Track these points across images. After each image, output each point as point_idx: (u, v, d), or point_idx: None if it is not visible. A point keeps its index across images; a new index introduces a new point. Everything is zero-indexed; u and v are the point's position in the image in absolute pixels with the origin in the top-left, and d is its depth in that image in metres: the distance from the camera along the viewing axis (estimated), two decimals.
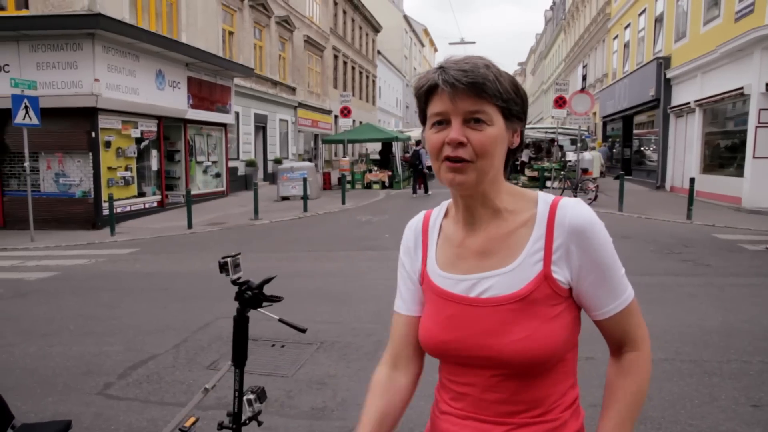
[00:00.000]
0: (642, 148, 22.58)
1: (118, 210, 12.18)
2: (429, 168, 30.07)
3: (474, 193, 1.05)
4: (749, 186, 12.89)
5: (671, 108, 18.46)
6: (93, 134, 11.80)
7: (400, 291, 1.22)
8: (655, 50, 20.21)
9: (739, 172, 13.24)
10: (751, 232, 10.17)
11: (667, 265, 7.50)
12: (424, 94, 1.05)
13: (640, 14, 22.26)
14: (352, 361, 4.24)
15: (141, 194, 13.84)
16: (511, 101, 1.02)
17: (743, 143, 13.37)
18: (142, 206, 13.69)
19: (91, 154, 11.86)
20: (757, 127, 12.80)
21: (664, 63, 18.67)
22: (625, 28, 24.51)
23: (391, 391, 1.17)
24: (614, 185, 15.35)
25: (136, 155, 13.39)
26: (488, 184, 1.05)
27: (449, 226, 1.15)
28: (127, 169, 13.09)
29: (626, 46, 24.52)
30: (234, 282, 1.81)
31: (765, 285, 6.40)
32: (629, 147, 24.08)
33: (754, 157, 12.90)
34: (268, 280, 1.84)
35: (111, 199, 11.04)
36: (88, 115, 11.71)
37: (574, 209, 1.03)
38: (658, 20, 20.05)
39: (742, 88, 13.08)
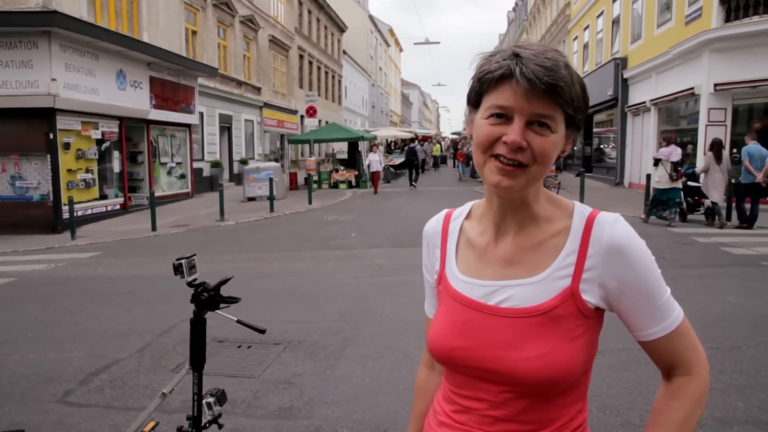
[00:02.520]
0: (601, 146, 23.21)
1: (79, 213, 11.89)
2: (424, 162, 30.37)
3: (518, 197, 0.98)
4: (701, 182, 13.38)
5: (628, 107, 19.03)
6: (51, 135, 11.48)
7: (427, 294, 1.18)
8: (612, 51, 20.79)
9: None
10: (701, 226, 10.59)
11: None
12: (490, 80, 0.93)
13: (598, 16, 22.85)
14: (319, 360, 4.29)
15: (103, 197, 13.54)
16: (579, 109, 0.94)
17: (695, 141, 13.90)
18: (104, 209, 13.39)
19: (49, 156, 11.53)
20: (707, 125, 13.34)
21: (621, 63, 19.23)
22: (584, 29, 25.13)
23: (430, 391, 1.20)
24: (575, 182, 15.75)
25: (97, 157, 13.08)
26: (532, 191, 0.99)
27: (472, 228, 1.08)
28: (87, 171, 12.78)
29: (585, 46, 25.14)
30: (190, 284, 1.82)
31: (714, 275, 6.71)
32: (589, 145, 24.69)
33: (704, 154, 13.40)
34: (224, 281, 1.85)
35: (71, 202, 10.78)
36: (45, 116, 11.39)
37: (614, 226, 0.96)
38: (615, 22, 20.64)
39: (693, 88, 13.61)
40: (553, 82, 0.88)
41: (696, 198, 10.97)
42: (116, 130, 13.85)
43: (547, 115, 0.91)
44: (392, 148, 38.16)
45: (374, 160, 18.96)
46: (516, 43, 0.95)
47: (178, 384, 2.02)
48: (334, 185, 21.23)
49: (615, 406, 3.40)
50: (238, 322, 1.85)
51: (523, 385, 0.95)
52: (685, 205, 11.05)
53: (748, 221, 10.08)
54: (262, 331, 1.88)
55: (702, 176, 10.68)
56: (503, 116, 0.92)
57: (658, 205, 10.78)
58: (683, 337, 0.98)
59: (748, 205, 10.20)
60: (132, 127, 14.72)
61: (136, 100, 14.34)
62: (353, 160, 23.53)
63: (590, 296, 0.96)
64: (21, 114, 11.19)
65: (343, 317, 5.36)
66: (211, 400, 1.82)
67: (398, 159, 29.44)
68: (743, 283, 6.30)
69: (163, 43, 15.67)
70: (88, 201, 12.83)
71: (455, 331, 1.01)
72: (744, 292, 5.90)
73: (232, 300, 1.82)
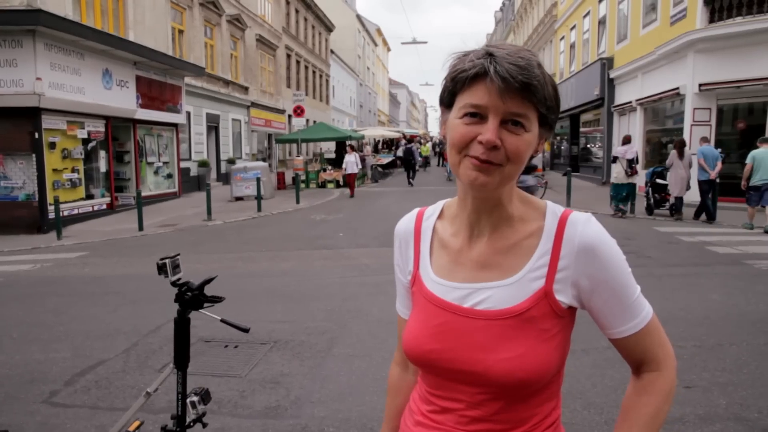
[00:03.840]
0: (588, 146, 23.38)
1: (65, 213, 11.78)
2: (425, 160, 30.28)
3: (491, 196, 0.98)
4: (667, 178, 13.46)
5: (615, 107, 19.20)
6: (36, 135, 11.35)
7: (399, 293, 1.18)
8: (599, 51, 20.95)
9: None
10: (687, 225, 10.73)
11: None
12: (464, 79, 0.92)
13: (584, 16, 23.02)
14: (306, 360, 4.29)
15: (89, 196, 13.41)
16: (551, 109, 0.94)
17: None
18: (90, 209, 13.27)
19: (34, 155, 11.41)
20: (692, 125, 13.49)
21: (607, 63, 19.39)
22: (571, 29, 25.30)
23: (404, 389, 1.21)
24: (562, 181, 15.86)
25: (83, 156, 12.95)
26: (505, 191, 0.99)
27: (445, 228, 1.07)
28: (73, 170, 12.65)
29: (572, 46, 25.31)
30: (173, 283, 1.81)
31: (698, 274, 6.80)
32: (576, 144, 24.87)
33: (691, 154, 13.56)
34: (208, 281, 1.85)
35: (57, 202, 10.67)
36: (30, 115, 11.26)
37: (585, 226, 0.96)
38: (602, 22, 20.80)
39: (678, 88, 13.76)
40: (527, 80, 0.88)
41: (663, 194, 11.81)
42: (102, 129, 13.73)
43: (521, 113, 0.90)
44: (380, 147, 38.18)
45: (350, 162, 18.10)
46: (488, 44, 0.94)
47: (163, 383, 2.02)
48: (322, 185, 21.20)
49: (599, 404, 3.44)
50: (222, 321, 1.85)
51: (499, 387, 0.95)
52: (652, 201, 11.94)
53: (708, 215, 10.99)
54: (246, 330, 1.88)
55: (668, 173, 11.45)
56: (477, 115, 0.91)
57: (622, 200, 11.82)
58: (653, 334, 0.99)
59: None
60: (118, 127, 14.60)
61: (123, 100, 14.22)
62: (341, 159, 23.53)
63: (563, 296, 0.96)
64: (6, 113, 11.05)
65: (330, 317, 5.37)
66: (195, 399, 1.82)
67: (386, 159, 29.49)
68: (727, 282, 6.39)
69: (150, 42, 15.55)
70: (75, 201, 12.70)
71: (430, 334, 1.00)
72: (727, 291, 5.99)
73: (216, 299, 1.82)
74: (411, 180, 21.72)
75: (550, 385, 1.00)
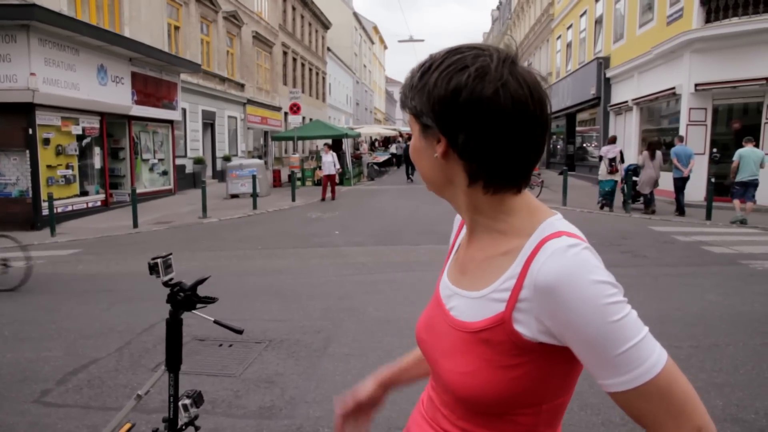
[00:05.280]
0: (584, 145, 23.41)
1: (59, 210, 11.71)
2: None
3: (453, 202, 0.96)
4: (639, 176, 13.46)
5: (611, 106, 19.22)
6: (30, 131, 11.28)
7: None
8: (595, 50, 20.97)
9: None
10: (683, 224, 10.75)
11: (608, 257, 7.78)
12: None
13: (581, 16, 23.03)
14: (301, 359, 4.26)
15: (84, 193, 13.34)
16: (426, 114, 0.88)
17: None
18: (84, 206, 13.19)
19: (28, 151, 11.33)
20: (688, 125, 13.51)
21: (603, 63, 19.41)
22: (568, 28, 25.31)
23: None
24: (558, 180, 15.86)
25: (77, 153, 12.87)
26: (463, 195, 0.92)
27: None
28: (68, 167, 12.57)
29: (569, 46, 25.33)
30: (165, 284, 1.78)
31: (694, 274, 6.80)
32: (572, 143, 24.89)
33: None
34: (201, 281, 1.82)
35: (51, 199, 10.60)
36: (24, 111, 11.17)
37: (550, 259, 0.81)
38: (598, 22, 20.82)
39: (674, 88, 13.78)
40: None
41: (636, 190, 12.54)
42: (97, 125, 13.65)
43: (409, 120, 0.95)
44: (376, 145, 38.13)
45: (327, 162, 16.64)
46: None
47: (155, 385, 1.99)
48: (318, 182, 21.12)
49: (596, 404, 3.42)
50: (215, 322, 1.82)
51: (452, 395, 0.92)
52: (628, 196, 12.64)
53: (683, 210, 11.90)
54: (240, 332, 1.85)
55: (640, 172, 12.26)
56: None
57: (606, 195, 12.74)
58: (655, 398, 0.78)
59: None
60: (113, 123, 14.52)
61: (118, 96, 14.13)
62: (337, 157, 23.47)
63: (526, 329, 0.84)
64: None
65: (326, 315, 5.34)
66: (187, 401, 1.79)
67: (382, 156, 29.47)
68: (723, 282, 6.39)
69: (145, 39, 15.47)
70: (69, 197, 12.62)
71: (424, 324, 1.03)
72: (723, 291, 5.99)
73: (209, 300, 1.79)
74: (411, 176, 22.12)
75: (517, 416, 0.89)
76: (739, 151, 10.66)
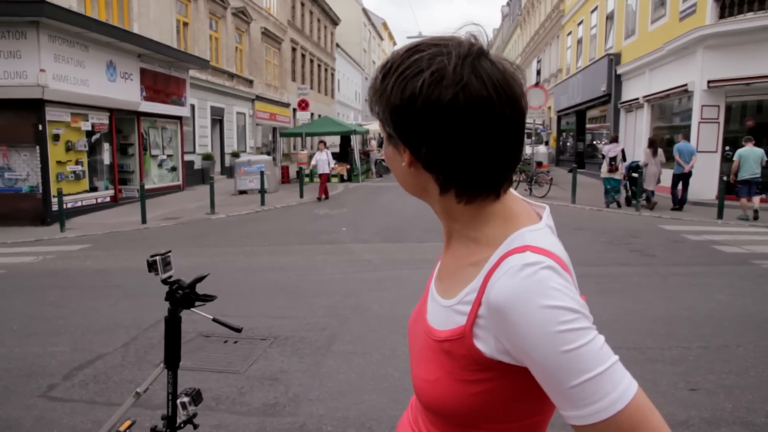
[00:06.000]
0: (594, 142, 23.24)
1: (69, 205, 11.79)
2: None
3: (433, 207, 0.92)
4: (693, 179, 13.43)
5: (621, 103, 19.05)
6: (40, 127, 11.35)
7: None
8: (606, 47, 20.78)
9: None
10: (693, 223, 10.63)
11: (617, 255, 7.77)
12: None
13: (592, 11, 22.83)
14: (305, 356, 4.25)
15: (93, 189, 13.42)
16: (386, 123, 0.84)
17: (688, 138, 13.91)
18: (93, 201, 13.27)
19: (38, 147, 11.40)
20: (700, 122, 13.36)
21: (614, 59, 19.24)
22: (578, 24, 25.10)
23: None
24: (567, 177, 15.75)
25: (87, 149, 12.95)
26: (437, 204, 0.89)
27: None
28: (77, 163, 12.66)
29: (579, 42, 25.12)
30: (164, 281, 1.77)
31: (704, 274, 6.71)
32: (582, 141, 24.73)
33: (697, 151, 13.44)
34: (200, 279, 1.80)
35: (60, 194, 10.67)
36: (34, 107, 11.25)
37: (504, 277, 0.76)
38: (609, 18, 20.62)
39: (686, 84, 13.62)
40: (368, 93, 0.86)
41: (644, 186, 12.70)
42: (106, 121, 13.72)
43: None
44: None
45: (321, 160, 15.90)
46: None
47: (153, 382, 1.98)
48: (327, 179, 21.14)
49: None
50: (214, 320, 1.81)
51: (419, 400, 0.90)
52: (630, 193, 13.02)
53: (679, 204, 12.32)
54: (239, 330, 1.83)
55: (644, 169, 12.51)
56: None
57: (610, 192, 13.04)
58: None
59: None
60: (122, 119, 14.59)
61: (127, 92, 14.19)
62: (345, 154, 23.49)
63: (485, 346, 0.79)
64: (9, 105, 11.04)
65: (331, 312, 5.33)
66: (185, 399, 1.78)
67: None
68: (733, 282, 6.31)
69: (154, 35, 15.52)
70: (78, 193, 12.71)
71: (413, 319, 1.01)
72: (734, 291, 5.91)
73: (208, 298, 1.77)
74: None
75: (490, 429, 0.85)
76: (739, 151, 11.02)
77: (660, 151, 12.47)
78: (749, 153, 10.87)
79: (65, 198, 11.16)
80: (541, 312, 0.72)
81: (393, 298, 5.81)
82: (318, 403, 3.49)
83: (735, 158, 11.06)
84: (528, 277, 0.74)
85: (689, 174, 12.11)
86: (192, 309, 1.78)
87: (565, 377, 0.71)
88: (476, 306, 0.80)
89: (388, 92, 0.81)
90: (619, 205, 12.87)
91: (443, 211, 0.89)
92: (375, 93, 0.84)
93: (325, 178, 15.80)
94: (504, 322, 0.75)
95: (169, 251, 1.80)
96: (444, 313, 0.87)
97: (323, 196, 15.55)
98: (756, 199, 10.87)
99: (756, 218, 10.63)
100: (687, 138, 12.62)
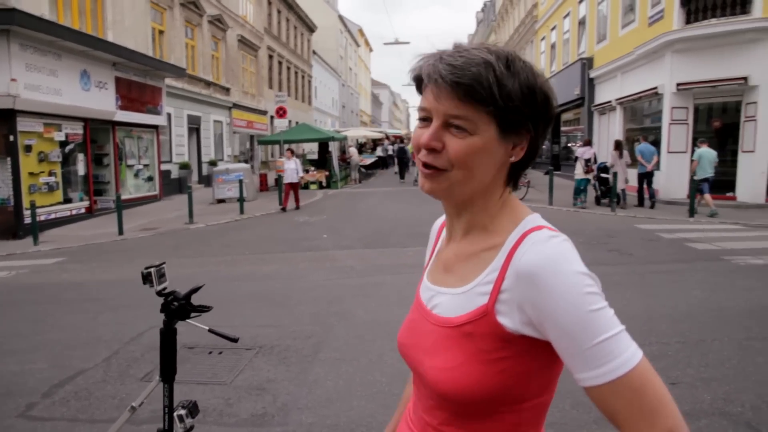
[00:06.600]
0: (569, 144, 23.60)
1: (42, 218, 11.54)
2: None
3: (450, 202, 0.95)
4: (665, 179, 13.76)
5: (595, 106, 19.41)
6: (11, 137, 11.11)
7: None
8: (579, 51, 21.17)
9: (656, 166, 14.02)
10: (666, 222, 10.88)
11: (595, 255, 7.91)
12: (416, 82, 0.93)
13: (564, 17, 23.23)
14: (292, 365, 4.24)
15: (67, 200, 13.16)
16: (512, 110, 0.85)
17: (659, 139, 14.26)
18: (68, 213, 13.02)
19: (9, 158, 11.16)
20: (670, 123, 13.69)
21: (587, 63, 19.60)
22: (552, 30, 25.52)
23: None
24: (544, 180, 15.97)
25: (60, 160, 12.71)
26: (474, 196, 0.93)
27: (446, 230, 1.07)
28: (51, 174, 12.41)
29: (553, 47, 25.54)
30: (159, 293, 1.77)
31: (680, 271, 6.88)
32: (557, 143, 25.09)
33: (668, 152, 13.78)
34: (195, 290, 1.80)
35: (33, 207, 10.44)
36: (5, 118, 11.00)
37: (533, 247, 0.84)
38: (581, 23, 21.01)
39: (656, 87, 13.95)
40: (458, 80, 0.83)
41: (607, 186, 13.38)
42: (81, 131, 13.49)
43: (459, 115, 0.85)
44: (363, 148, 38.17)
45: (289, 169, 14.80)
46: (455, 43, 0.90)
47: (149, 396, 1.96)
48: (305, 186, 21.08)
49: (587, 403, 3.44)
50: (210, 331, 1.81)
51: (435, 394, 0.92)
52: (599, 192, 13.71)
53: (651, 200, 12.94)
54: (235, 340, 1.84)
55: (610, 170, 13.10)
56: (427, 119, 0.90)
57: (580, 193, 13.49)
58: (628, 395, 0.78)
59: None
60: (97, 129, 14.36)
61: (101, 101, 13.99)
62: (324, 160, 23.46)
63: (508, 320, 0.85)
64: None
65: (316, 320, 5.32)
66: (182, 412, 1.77)
67: (369, 159, 29.49)
68: (707, 278, 6.48)
69: (129, 43, 15.33)
70: (52, 205, 12.45)
71: (405, 328, 1.04)
72: (708, 287, 6.07)
73: (204, 309, 1.77)
74: (402, 177, 23.47)
75: (502, 413, 0.89)
76: (699, 151, 11.64)
77: (626, 152, 13.12)
78: (706, 154, 11.50)
79: (38, 210, 10.92)
80: (571, 275, 0.80)
81: (377, 303, 5.83)
82: (307, 411, 3.49)
83: (695, 158, 11.68)
84: (557, 245, 0.84)
85: (652, 173, 12.89)
86: (188, 320, 1.78)
87: (587, 336, 0.78)
88: (499, 282, 0.87)
89: (520, 78, 0.87)
90: (584, 205, 13.43)
91: (478, 203, 0.94)
92: (497, 82, 0.84)
93: (296, 187, 14.88)
94: (534, 287, 0.82)
95: (164, 263, 1.80)
96: (458, 300, 0.92)
97: (295, 206, 14.83)
98: (708, 197, 11.46)
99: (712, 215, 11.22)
100: (647, 140, 13.49)
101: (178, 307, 1.70)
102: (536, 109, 0.88)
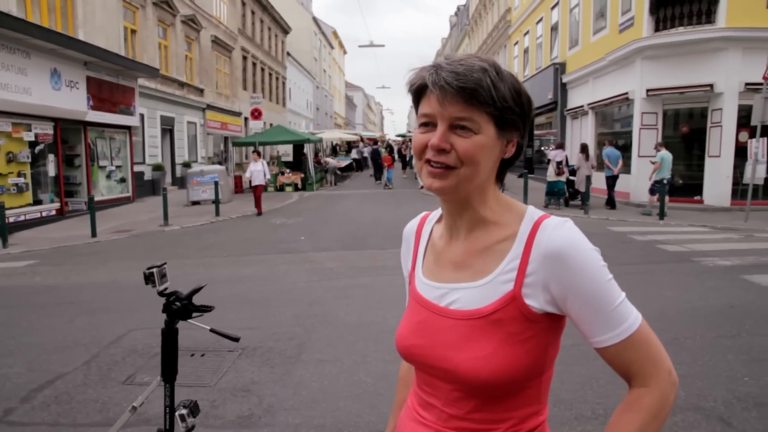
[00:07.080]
0: (542, 148, 23.98)
1: (11, 220, 11.24)
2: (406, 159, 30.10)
3: (456, 199, 1.02)
4: (635, 182, 14.12)
5: (567, 110, 19.78)
6: None
7: (406, 292, 1.21)
8: (552, 56, 21.55)
9: (627, 169, 14.41)
10: (638, 224, 11.17)
11: None
12: (415, 92, 1.01)
13: (537, 22, 23.62)
14: (276, 366, 4.25)
15: (37, 202, 12.85)
16: (507, 110, 0.96)
17: (629, 143, 14.63)
18: (38, 215, 12.71)
19: None
20: (640, 128, 14.06)
21: (560, 68, 19.96)
22: (525, 35, 25.91)
23: (410, 383, 1.22)
24: (518, 183, 16.22)
25: (30, 160, 12.40)
26: (473, 192, 1.01)
27: (438, 230, 1.13)
28: (20, 175, 12.10)
29: (526, 51, 25.93)
30: (161, 293, 1.77)
31: (652, 272, 7.08)
32: (531, 147, 25.45)
33: (639, 156, 14.14)
34: (197, 290, 1.82)
35: (2, 208, 10.15)
36: None
37: (555, 231, 0.96)
38: (554, 29, 21.40)
39: (627, 93, 14.30)
40: (463, 85, 0.92)
41: (575, 189, 14.05)
42: (51, 132, 13.19)
43: (464, 117, 0.95)
44: (338, 150, 38.13)
45: (255, 171, 14.49)
46: (446, 55, 0.99)
47: (149, 395, 1.97)
48: (280, 188, 21.00)
49: (568, 400, 3.54)
50: (212, 331, 1.82)
51: (467, 385, 0.98)
52: (567, 194, 14.21)
53: (609, 203, 13.57)
54: (237, 339, 1.86)
55: (576, 172, 13.71)
56: (430, 124, 0.98)
57: (552, 195, 13.93)
58: (639, 347, 0.94)
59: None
60: (68, 129, 14.06)
61: (72, 101, 13.70)
62: (299, 162, 23.39)
63: (534, 301, 0.96)
64: None
65: (298, 322, 5.33)
66: (184, 411, 1.78)
67: (344, 161, 29.49)
68: (678, 279, 6.69)
69: (101, 42, 15.06)
70: (21, 207, 12.14)
71: (413, 330, 1.06)
72: (680, 287, 6.27)
73: (206, 309, 1.79)
74: (378, 179, 23.52)
75: (526, 389, 0.99)
76: (661, 153, 12.16)
77: (591, 155, 13.69)
78: (667, 157, 12.04)
79: (7, 212, 10.64)
80: (590, 252, 0.95)
81: (358, 304, 5.86)
82: (293, 412, 3.50)
83: (657, 160, 12.14)
84: (572, 228, 0.97)
85: (617, 176, 13.43)
86: (189, 320, 1.79)
87: (608, 302, 0.94)
88: (523, 267, 0.97)
89: (509, 83, 0.98)
90: (558, 207, 13.92)
91: (480, 198, 1.03)
92: (494, 85, 0.95)
93: (259, 190, 14.42)
94: (560, 265, 0.94)
95: (165, 263, 1.81)
96: (483, 291, 0.99)
97: (260, 211, 14.33)
98: (656, 198, 12.07)
99: (650, 214, 12.07)
100: (613, 144, 14.29)
101: (180, 308, 1.71)
102: (523, 109, 1.00)
